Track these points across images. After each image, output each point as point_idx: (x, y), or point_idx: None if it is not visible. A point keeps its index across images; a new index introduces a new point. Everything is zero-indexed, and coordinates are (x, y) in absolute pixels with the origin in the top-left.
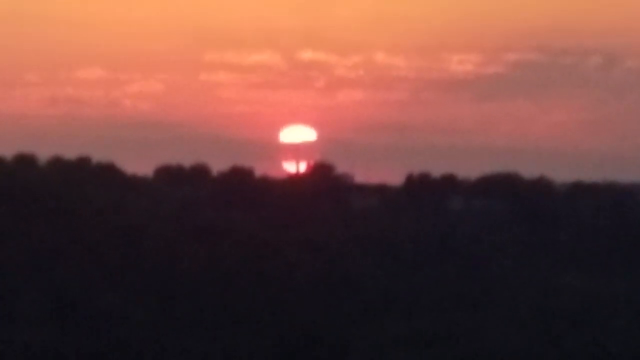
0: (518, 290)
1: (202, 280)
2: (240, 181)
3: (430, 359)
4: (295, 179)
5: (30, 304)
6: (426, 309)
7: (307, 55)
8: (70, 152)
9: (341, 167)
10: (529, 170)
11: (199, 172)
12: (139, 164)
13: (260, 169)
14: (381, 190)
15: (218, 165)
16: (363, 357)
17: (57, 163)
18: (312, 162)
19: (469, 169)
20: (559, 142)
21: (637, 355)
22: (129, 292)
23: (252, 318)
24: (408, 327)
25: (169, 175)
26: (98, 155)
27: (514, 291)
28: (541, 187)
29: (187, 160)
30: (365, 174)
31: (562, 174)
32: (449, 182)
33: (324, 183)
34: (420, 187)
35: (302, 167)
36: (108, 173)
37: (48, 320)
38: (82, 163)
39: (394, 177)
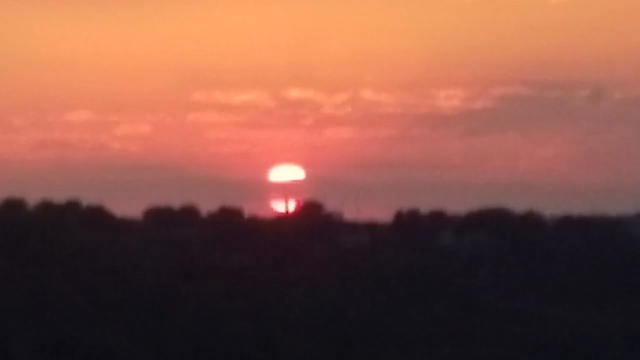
0: (508, 324)
1: (193, 320)
2: (229, 221)
3: None
4: (284, 218)
5: (22, 347)
6: (417, 344)
7: (294, 93)
8: (59, 196)
9: (330, 205)
10: (518, 204)
11: (188, 213)
12: (128, 206)
13: (249, 209)
14: (371, 227)
15: (207, 205)
16: None
17: (46, 207)
18: (301, 201)
19: (458, 205)
20: (548, 175)
21: None
22: (121, 333)
23: (244, 355)
24: None
25: (158, 216)
26: (87, 198)
27: (504, 325)
28: (531, 221)
29: (176, 201)
30: (354, 211)
31: (551, 208)
32: (438, 218)
33: (313, 221)
34: (410, 223)
35: (291, 206)
36: (97, 216)
37: None
38: (72, 206)
39: (383, 214)
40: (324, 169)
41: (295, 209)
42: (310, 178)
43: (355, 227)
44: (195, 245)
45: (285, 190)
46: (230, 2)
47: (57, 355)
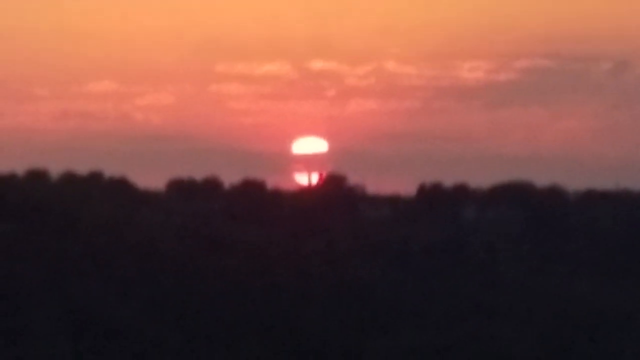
0: (532, 299)
1: (216, 293)
2: (252, 194)
3: None
4: (307, 190)
5: (44, 320)
6: (440, 318)
7: (317, 65)
8: (82, 167)
9: (353, 178)
10: (541, 178)
11: (211, 186)
12: (151, 178)
13: (272, 181)
14: (393, 200)
15: (230, 177)
16: None
17: (69, 178)
18: (324, 174)
19: (482, 178)
20: (572, 149)
21: None
22: (142, 306)
23: (265, 330)
24: (422, 337)
25: (181, 188)
26: (110, 169)
27: (528, 300)
28: (554, 196)
29: (198, 173)
30: (377, 184)
31: (575, 182)
32: (462, 192)
33: (336, 194)
34: (433, 196)
35: (314, 178)
36: (120, 187)
37: (62, 336)
38: (94, 178)
39: (406, 187)
40: (346, 141)
41: (318, 182)
42: (333, 150)
43: (377, 201)
44: (218, 218)
45: (308, 162)
46: None
47: (78, 329)
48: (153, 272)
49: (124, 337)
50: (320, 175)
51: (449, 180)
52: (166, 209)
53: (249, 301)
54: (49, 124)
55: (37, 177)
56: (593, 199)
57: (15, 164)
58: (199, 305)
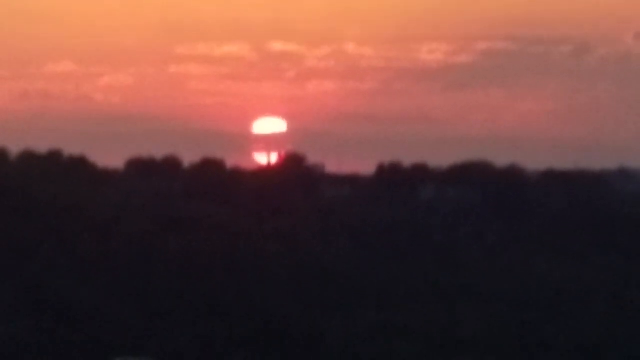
0: (491, 277)
1: (175, 272)
2: (211, 173)
3: (404, 348)
4: (266, 170)
5: (3, 299)
6: (399, 298)
7: (277, 46)
8: (42, 146)
9: (312, 157)
10: (500, 158)
11: (171, 165)
12: (110, 157)
13: (232, 161)
14: (353, 180)
15: (189, 157)
16: (336, 347)
17: (29, 157)
18: (283, 153)
19: (441, 158)
20: (530, 130)
21: (610, 340)
22: (102, 285)
23: (226, 308)
24: (381, 317)
25: (141, 167)
26: (69, 149)
27: (487, 279)
28: (513, 176)
29: (158, 152)
30: (336, 164)
31: (533, 162)
32: (421, 172)
33: (295, 174)
34: (392, 176)
35: (274, 158)
36: (79, 166)
37: (21, 314)
38: (54, 157)
39: (366, 167)
40: (306, 122)
41: (278, 161)
42: (293, 130)
43: (337, 180)
44: (178, 197)
45: (267, 142)
46: None
47: (37, 310)
48: (113, 251)
49: (83, 315)
50: (280, 155)
51: (408, 160)
52: (126, 188)
53: (209, 280)
54: (9, 104)
55: None
56: (551, 179)
57: None
58: (159, 284)
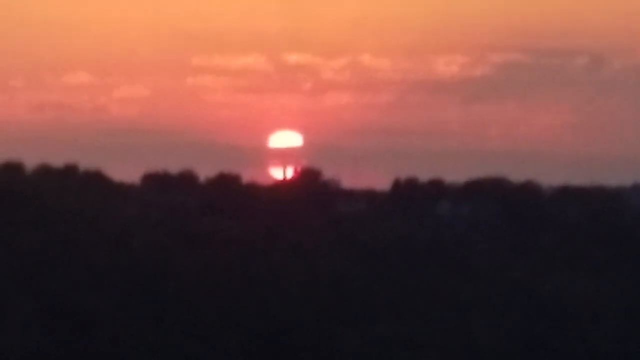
0: (506, 293)
1: (190, 286)
2: (227, 187)
3: None
4: (282, 184)
5: (19, 310)
6: (413, 312)
7: (293, 58)
8: (57, 159)
9: (328, 172)
10: (516, 173)
11: (186, 179)
12: (126, 171)
13: (247, 175)
14: (368, 195)
15: (205, 171)
16: (350, 359)
17: (44, 170)
18: (299, 168)
19: (456, 173)
20: (547, 144)
21: (623, 355)
22: (117, 299)
23: (240, 322)
24: (395, 330)
25: (156, 181)
26: (85, 162)
27: (502, 294)
28: (529, 191)
29: (174, 166)
30: (352, 178)
31: (549, 177)
32: (436, 187)
33: (311, 188)
34: (408, 191)
35: (289, 172)
36: (95, 180)
37: (37, 326)
38: (69, 170)
39: (381, 181)
40: (322, 136)
41: (293, 176)
42: (308, 144)
43: (352, 195)
44: (193, 211)
45: (283, 156)
46: None
47: (53, 321)
48: (128, 265)
49: (98, 329)
50: (296, 170)
51: (423, 175)
52: (141, 202)
53: (224, 294)
54: (24, 116)
55: (12, 168)
56: (567, 195)
57: None
58: (174, 297)
